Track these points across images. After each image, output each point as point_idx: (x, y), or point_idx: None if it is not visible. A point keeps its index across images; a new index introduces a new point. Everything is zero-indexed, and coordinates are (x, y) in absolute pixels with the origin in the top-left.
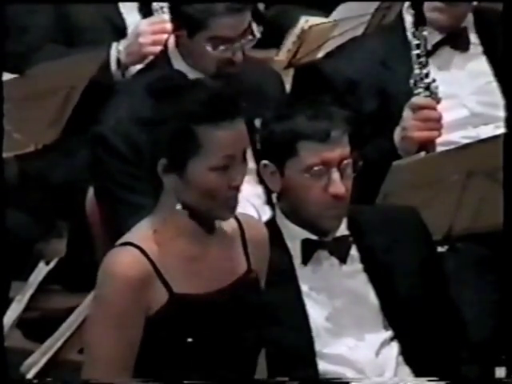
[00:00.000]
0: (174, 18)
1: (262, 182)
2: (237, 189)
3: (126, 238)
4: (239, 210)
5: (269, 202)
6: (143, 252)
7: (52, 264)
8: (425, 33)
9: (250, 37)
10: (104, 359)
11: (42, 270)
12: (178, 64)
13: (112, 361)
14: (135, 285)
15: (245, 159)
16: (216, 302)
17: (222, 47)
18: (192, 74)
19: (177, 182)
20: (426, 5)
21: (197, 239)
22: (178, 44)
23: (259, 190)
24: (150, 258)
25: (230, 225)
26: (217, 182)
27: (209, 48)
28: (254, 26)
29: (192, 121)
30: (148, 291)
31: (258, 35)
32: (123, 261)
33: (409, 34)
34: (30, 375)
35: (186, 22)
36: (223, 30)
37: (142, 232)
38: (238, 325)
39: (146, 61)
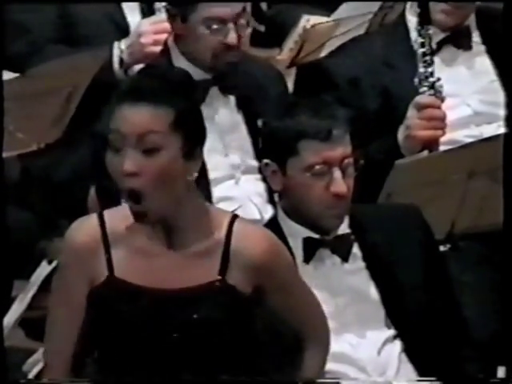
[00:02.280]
0: (169, 8)
1: (263, 180)
2: (130, 176)
3: (110, 209)
4: (240, 209)
5: (271, 200)
6: (102, 224)
7: (54, 263)
8: (430, 31)
9: (243, 21)
10: (52, 321)
11: (44, 269)
12: (179, 61)
13: (58, 323)
14: (78, 250)
15: (149, 152)
16: (158, 300)
17: (214, 26)
18: (192, 70)
19: None
20: (432, 7)
21: (159, 234)
22: (176, 39)
23: (261, 188)
24: (105, 230)
25: (215, 231)
26: (110, 161)
27: (202, 29)
28: (249, 16)
29: (114, 100)
30: (91, 262)
31: (261, 28)
32: (76, 225)
33: (413, 33)
34: (32, 374)
35: (178, 6)
36: (215, 9)
37: (120, 209)
38: (173, 329)
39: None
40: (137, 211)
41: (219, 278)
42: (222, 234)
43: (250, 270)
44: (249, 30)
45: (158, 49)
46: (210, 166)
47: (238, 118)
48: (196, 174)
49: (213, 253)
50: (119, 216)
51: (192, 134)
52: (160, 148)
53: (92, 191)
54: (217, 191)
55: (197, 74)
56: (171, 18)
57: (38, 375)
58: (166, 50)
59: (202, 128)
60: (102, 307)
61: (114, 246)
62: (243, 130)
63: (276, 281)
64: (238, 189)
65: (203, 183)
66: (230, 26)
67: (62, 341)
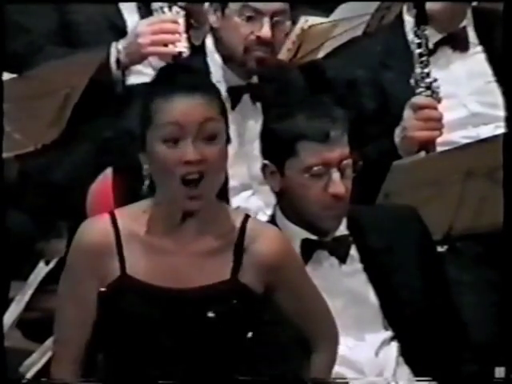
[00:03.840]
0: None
1: None
2: (191, 163)
3: (121, 208)
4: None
5: None
6: (114, 223)
7: (52, 264)
8: (426, 32)
9: (281, 18)
10: (62, 323)
11: (41, 270)
12: (214, 61)
13: (68, 325)
14: (90, 249)
15: (209, 139)
16: (171, 299)
17: (249, 14)
18: (225, 74)
19: (144, 159)
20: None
21: (172, 233)
22: (213, 37)
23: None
24: (118, 229)
25: (228, 229)
26: (166, 154)
27: (237, 19)
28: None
29: (150, 95)
30: (103, 261)
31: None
32: (88, 225)
33: (409, 34)
34: (29, 375)
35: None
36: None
37: (132, 207)
38: (186, 328)
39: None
40: (193, 195)
41: (231, 276)
42: (235, 232)
43: (262, 268)
44: (285, 30)
45: (156, 49)
46: (230, 173)
47: None
48: None
49: (225, 251)
50: (131, 215)
51: (228, 125)
52: (217, 134)
53: (91, 191)
54: (234, 200)
55: (231, 78)
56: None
57: (36, 376)
58: (201, 50)
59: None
60: (114, 306)
61: (127, 245)
62: None
63: (287, 280)
64: (255, 200)
65: (222, 190)
66: (266, 19)
67: (73, 343)
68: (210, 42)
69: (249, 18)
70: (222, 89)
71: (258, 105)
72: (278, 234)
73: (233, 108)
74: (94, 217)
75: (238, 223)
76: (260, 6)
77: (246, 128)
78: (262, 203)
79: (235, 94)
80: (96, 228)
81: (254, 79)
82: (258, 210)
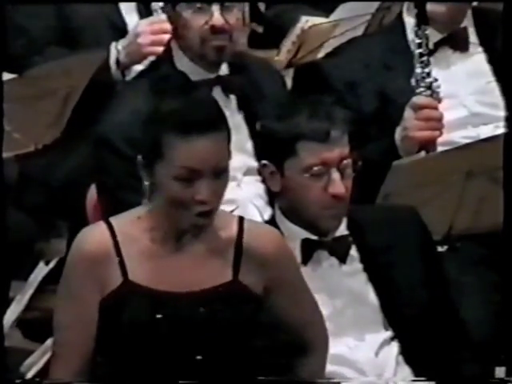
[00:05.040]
0: (164, 6)
1: (264, 182)
2: (204, 203)
3: (115, 216)
4: (240, 210)
5: (271, 202)
6: (111, 230)
7: (52, 264)
8: (427, 32)
9: (229, 3)
10: (62, 331)
11: (41, 270)
12: (180, 60)
13: (68, 334)
14: (89, 258)
15: (219, 175)
16: (174, 303)
17: (198, 5)
18: (193, 70)
19: (146, 177)
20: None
21: (171, 237)
22: (176, 36)
23: (262, 190)
24: (115, 237)
25: (225, 231)
26: (178, 192)
27: (187, 12)
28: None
29: (161, 127)
30: (103, 269)
31: (259, 29)
32: (86, 234)
33: (410, 34)
34: (29, 375)
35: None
36: None
37: (126, 215)
38: (193, 332)
39: (147, 61)
40: (202, 224)
41: (233, 278)
42: (233, 233)
43: (261, 268)
44: (238, 15)
45: (156, 49)
46: None
47: (239, 119)
48: None
49: (224, 253)
50: (126, 221)
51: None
52: (227, 168)
53: (91, 191)
54: None
55: (199, 73)
56: (169, 16)
57: (36, 376)
58: (168, 51)
59: None
60: (118, 313)
61: (126, 251)
62: (244, 130)
63: (283, 280)
64: (240, 191)
65: None
66: (215, 7)
67: (73, 349)
68: (173, 40)
69: (199, 9)
70: None
71: (232, 97)
72: (276, 233)
73: None
74: (90, 226)
75: (234, 224)
76: None
77: None
78: (248, 194)
79: (203, 87)
80: (93, 237)
81: (224, 71)
82: (246, 201)
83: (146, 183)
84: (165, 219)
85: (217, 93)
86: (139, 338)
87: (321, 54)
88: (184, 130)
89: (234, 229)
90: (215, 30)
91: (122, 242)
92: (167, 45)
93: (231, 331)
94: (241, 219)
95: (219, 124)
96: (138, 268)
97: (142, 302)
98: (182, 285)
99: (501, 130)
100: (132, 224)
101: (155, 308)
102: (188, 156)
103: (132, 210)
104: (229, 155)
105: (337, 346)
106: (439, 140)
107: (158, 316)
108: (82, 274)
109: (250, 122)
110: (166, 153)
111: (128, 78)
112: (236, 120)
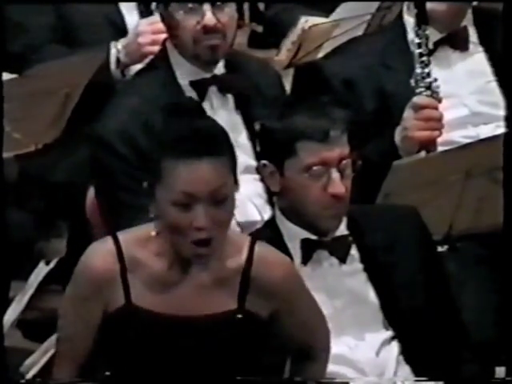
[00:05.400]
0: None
1: (262, 181)
2: (202, 230)
3: (124, 231)
4: (239, 209)
5: (270, 201)
6: (119, 250)
7: (52, 264)
8: (427, 32)
9: (221, 3)
10: (63, 332)
11: (41, 270)
12: (176, 61)
13: (68, 335)
14: (95, 277)
15: (219, 203)
16: (176, 326)
17: (189, 6)
18: (190, 69)
19: (153, 206)
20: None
21: (177, 264)
22: (170, 36)
23: (260, 189)
24: (122, 257)
25: (234, 259)
26: (176, 218)
27: (179, 13)
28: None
29: (161, 150)
30: (107, 288)
31: (258, 29)
32: (92, 251)
33: (410, 34)
34: (29, 375)
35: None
36: None
37: (135, 233)
38: (192, 356)
39: (146, 60)
40: (202, 253)
41: (238, 305)
42: (242, 260)
43: (269, 295)
44: (230, 13)
45: (156, 49)
46: None
47: (237, 118)
48: None
49: (232, 279)
50: (135, 240)
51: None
52: (228, 196)
53: (91, 192)
54: None
55: (194, 72)
56: (162, 16)
57: (36, 376)
58: (164, 50)
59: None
60: (119, 332)
61: (131, 273)
62: (242, 130)
63: (291, 305)
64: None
65: None
66: (207, 7)
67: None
68: (168, 40)
69: (190, 10)
70: (186, 84)
71: (230, 97)
72: (285, 259)
73: (201, 100)
74: (100, 242)
75: (245, 249)
76: None
77: (219, 120)
78: (247, 192)
79: (199, 87)
80: (100, 254)
81: (221, 71)
82: (244, 200)
83: (151, 210)
84: (170, 246)
85: (213, 91)
86: (140, 359)
87: (321, 54)
88: (183, 153)
89: (243, 256)
90: (207, 30)
91: (128, 263)
92: (163, 44)
93: (234, 354)
94: (252, 243)
95: (220, 150)
96: (142, 291)
97: (144, 324)
98: (186, 310)
99: (501, 129)
100: (139, 246)
101: (157, 331)
102: (186, 180)
103: (142, 228)
104: (233, 183)
105: (337, 346)
106: (439, 140)
107: (159, 338)
108: (87, 289)
109: (247, 121)
110: (166, 177)
111: (128, 77)
112: (233, 119)
